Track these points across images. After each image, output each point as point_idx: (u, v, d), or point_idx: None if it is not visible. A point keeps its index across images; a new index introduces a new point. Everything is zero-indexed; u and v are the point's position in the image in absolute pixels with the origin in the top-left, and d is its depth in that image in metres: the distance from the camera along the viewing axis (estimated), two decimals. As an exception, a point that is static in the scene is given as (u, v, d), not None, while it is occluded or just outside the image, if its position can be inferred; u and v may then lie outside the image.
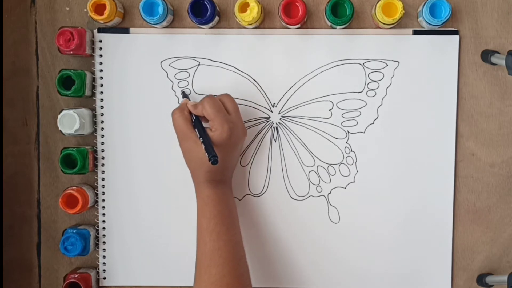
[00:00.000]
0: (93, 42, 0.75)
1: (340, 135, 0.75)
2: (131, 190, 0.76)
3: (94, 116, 0.75)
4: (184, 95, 0.74)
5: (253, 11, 0.70)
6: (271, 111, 0.76)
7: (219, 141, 0.67)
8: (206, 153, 0.64)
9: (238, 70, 0.75)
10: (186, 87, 0.75)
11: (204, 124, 0.69)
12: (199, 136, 0.67)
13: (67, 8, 0.76)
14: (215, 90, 0.75)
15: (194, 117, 0.69)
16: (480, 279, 0.75)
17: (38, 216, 0.77)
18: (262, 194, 0.76)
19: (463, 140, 0.75)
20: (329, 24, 0.73)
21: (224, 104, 0.70)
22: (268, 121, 0.76)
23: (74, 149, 0.73)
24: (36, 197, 0.77)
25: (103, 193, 0.76)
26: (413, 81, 0.75)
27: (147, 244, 0.76)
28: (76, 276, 0.73)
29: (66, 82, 0.72)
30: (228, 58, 0.75)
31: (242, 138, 0.71)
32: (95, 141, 0.75)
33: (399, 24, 0.73)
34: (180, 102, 0.74)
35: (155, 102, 0.75)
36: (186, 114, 0.69)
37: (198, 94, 0.75)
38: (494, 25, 0.74)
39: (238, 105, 0.74)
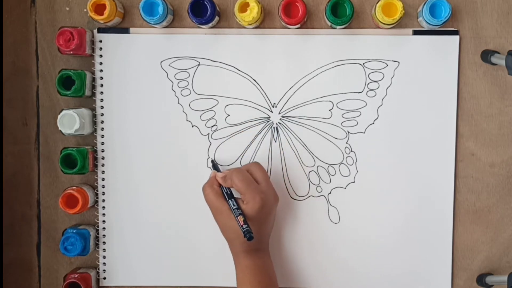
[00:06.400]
0: (93, 42, 0.75)
1: (340, 135, 0.75)
2: (131, 190, 0.76)
3: (94, 116, 0.75)
4: (214, 166, 0.74)
5: (253, 11, 0.70)
6: (271, 111, 0.75)
7: (252, 213, 0.67)
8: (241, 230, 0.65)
9: (238, 70, 0.75)
10: (186, 87, 0.75)
11: (235, 193, 0.70)
12: (232, 209, 0.67)
13: (67, 8, 0.76)
14: (215, 90, 0.75)
15: (226, 190, 0.70)
16: (480, 279, 0.75)
17: (38, 216, 0.77)
18: (262, 194, 0.76)
19: (463, 140, 0.75)
20: (329, 24, 0.73)
21: (252, 174, 0.70)
22: (268, 121, 0.76)
23: (74, 149, 0.73)
24: (36, 197, 0.77)
25: (103, 193, 0.76)
26: (413, 81, 0.75)
27: (147, 244, 0.76)
28: (76, 276, 0.73)
29: (66, 82, 0.72)
30: (228, 58, 0.75)
31: (275, 205, 0.71)
32: (95, 141, 0.75)
33: (399, 24, 0.73)
34: (210, 175, 0.74)
35: (155, 102, 0.75)
36: (217, 188, 0.70)
37: (198, 94, 0.75)
38: (494, 25, 0.74)
39: (238, 105, 0.74)
